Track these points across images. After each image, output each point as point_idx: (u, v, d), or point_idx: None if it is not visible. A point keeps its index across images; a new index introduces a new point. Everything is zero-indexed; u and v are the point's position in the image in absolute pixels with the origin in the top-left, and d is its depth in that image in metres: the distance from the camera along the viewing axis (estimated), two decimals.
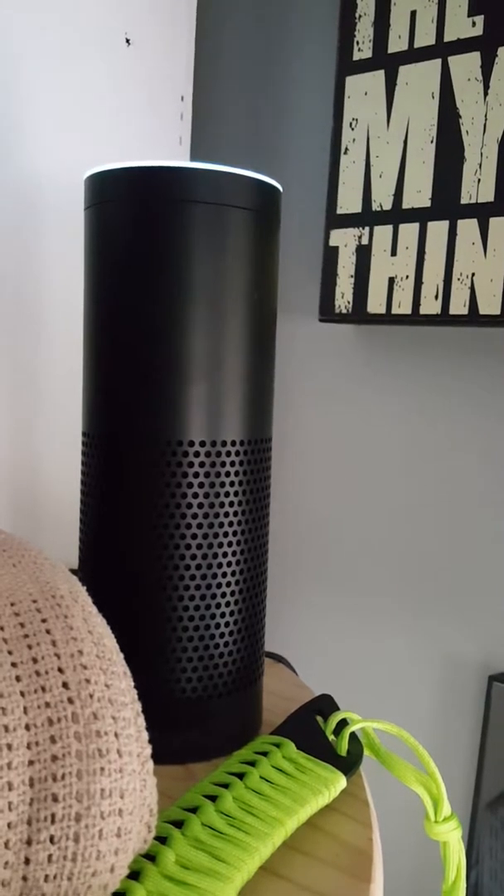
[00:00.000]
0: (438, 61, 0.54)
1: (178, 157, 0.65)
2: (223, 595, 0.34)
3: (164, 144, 0.63)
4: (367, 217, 0.59)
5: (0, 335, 0.51)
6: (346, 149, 0.59)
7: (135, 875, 0.24)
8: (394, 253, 0.57)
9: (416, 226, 0.56)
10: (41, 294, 0.54)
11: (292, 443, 0.71)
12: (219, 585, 0.33)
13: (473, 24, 0.53)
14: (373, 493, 0.66)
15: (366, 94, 0.58)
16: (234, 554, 0.34)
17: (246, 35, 0.71)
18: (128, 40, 0.58)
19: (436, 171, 0.55)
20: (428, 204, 0.55)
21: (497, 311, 0.52)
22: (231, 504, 0.33)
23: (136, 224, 0.32)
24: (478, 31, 0.52)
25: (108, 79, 0.57)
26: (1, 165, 0.50)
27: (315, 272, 0.68)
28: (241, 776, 0.29)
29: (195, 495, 0.32)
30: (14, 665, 0.21)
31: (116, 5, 0.56)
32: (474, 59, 0.53)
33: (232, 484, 0.33)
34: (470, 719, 0.61)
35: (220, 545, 0.33)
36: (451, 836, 0.31)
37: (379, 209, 0.58)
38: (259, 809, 0.27)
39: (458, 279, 0.54)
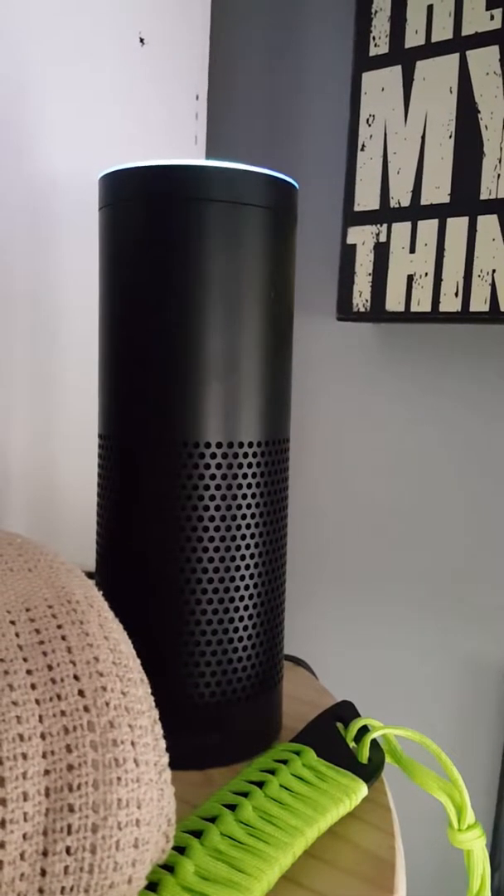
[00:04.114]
0: (456, 56, 0.54)
1: (193, 156, 0.65)
2: (241, 598, 0.33)
3: (180, 144, 0.63)
4: (385, 214, 0.58)
5: (16, 337, 0.51)
6: (364, 145, 0.59)
7: (153, 886, 0.23)
8: (412, 250, 0.56)
9: (434, 222, 0.55)
10: (57, 296, 0.53)
11: (310, 443, 0.70)
12: (237, 588, 0.33)
13: (492, 17, 0.52)
14: (391, 493, 0.65)
15: (383, 89, 0.57)
16: (251, 556, 0.33)
17: (261, 32, 0.70)
18: (142, 40, 0.57)
19: (454, 166, 0.54)
20: (447, 200, 0.54)
21: None
22: (249, 506, 0.33)
23: (150, 223, 0.32)
24: (496, 24, 0.52)
25: (123, 79, 0.56)
26: (16, 167, 0.50)
27: (332, 270, 0.67)
28: (260, 785, 0.29)
29: (212, 497, 0.32)
30: (29, 672, 0.21)
31: (130, 5, 0.56)
32: (493, 52, 0.52)
33: (249, 486, 0.33)
34: (491, 722, 0.60)
35: (238, 547, 0.33)
36: (475, 845, 0.31)
37: (397, 206, 0.57)
38: (279, 819, 0.27)
39: (479, 276, 0.53)
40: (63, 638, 0.22)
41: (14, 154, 0.50)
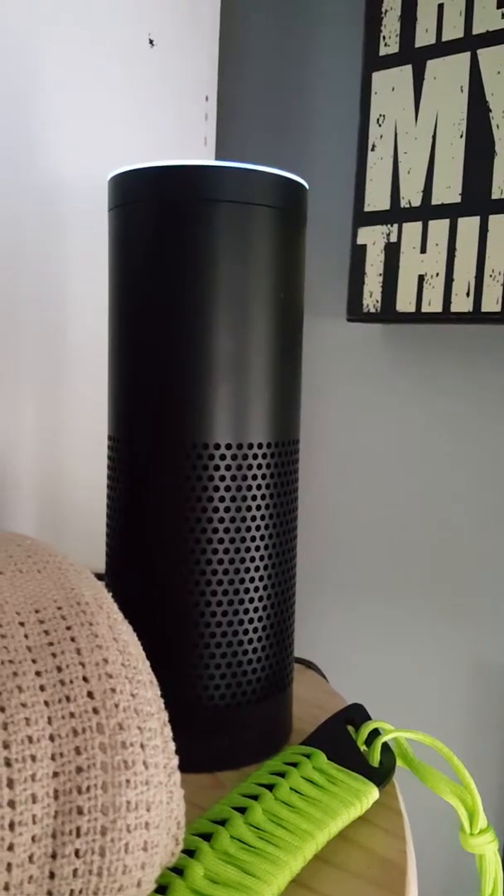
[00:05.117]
0: (467, 55, 0.53)
1: (203, 157, 0.65)
2: (251, 600, 0.33)
3: (189, 145, 0.63)
4: (396, 214, 0.58)
5: (25, 339, 0.51)
6: (374, 145, 0.58)
7: (162, 889, 0.23)
8: (423, 250, 0.56)
9: (445, 222, 0.55)
10: (65, 297, 0.53)
11: (320, 445, 0.70)
12: (246, 590, 0.33)
13: (503, 15, 0.51)
14: (403, 495, 0.65)
15: (393, 89, 0.57)
16: (261, 558, 0.33)
17: (270, 33, 0.70)
18: (151, 41, 0.57)
19: (465, 166, 0.54)
20: (458, 200, 0.54)
21: None
22: (258, 507, 0.33)
23: (160, 224, 0.32)
24: None
25: (132, 80, 0.56)
26: (24, 169, 0.50)
27: (342, 271, 0.67)
28: (270, 787, 0.28)
29: (221, 499, 0.32)
30: (38, 674, 0.21)
31: (139, 7, 0.56)
32: None
33: (259, 487, 0.33)
34: (502, 725, 0.60)
35: (248, 549, 0.33)
36: (488, 849, 0.31)
37: (408, 206, 0.57)
38: (289, 822, 0.27)
39: (490, 276, 0.52)
40: (72, 639, 0.22)
41: (24, 156, 0.50)
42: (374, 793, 0.30)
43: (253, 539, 0.33)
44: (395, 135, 0.57)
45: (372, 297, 0.59)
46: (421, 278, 0.56)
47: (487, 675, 0.61)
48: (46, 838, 0.20)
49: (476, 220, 0.53)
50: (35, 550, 0.27)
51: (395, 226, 0.58)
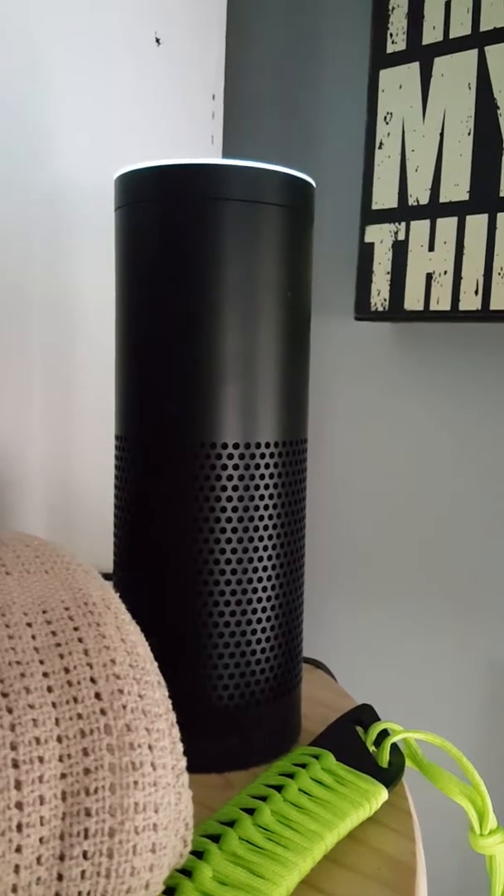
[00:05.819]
0: (475, 51, 0.53)
1: (210, 156, 0.65)
2: (259, 600, 0.33)
3: (196, 144, 0.63)
4: (404, 212, 0.57)
5: (32, 339, 0.51)
6: (381, 143, 0.58)
7: (170, 891, 0.23)
8: (431, 248, 0.56)
9: (454, 220, 0.54)
10: (73, 297, 0.54)
11: (329, 444, 0.70)
12: (255, 590, 0.33)
13: None
14: (412, 495, 0.65)
15: (400, 87, 0.57)
16: (269, 558, 0.33)
17: (277, 31, 0.70)
18: (158, 40, 0.57)
19: (474, 163, 0.53)
20: (466, 197, 0.54)
21: None
22: (266, 507, 0.33)
23: (166, 223, 0.32)
24: None
25: (139, 79, 0.56)
26: (31, 168, 0.50)
27: (350, 269, 0.67)
28: (279, 788, 0.28)
29: (229, 498, 0.32)
30: (46, 675, 0.21)
31: (145, 5, 0.56)
32: None
33: (267, 486, 0.33)
34: None
35: (256, 549, 0.33)
36: (498, 850, 0.30)
37: (415, 204, 0.57)
38: (298, 823, 0.27)
39: (499, 273, 0.52)
40: (80, 640, 0.22)
41: (30, 156, 0.50)
42: (382, 793, 0.30)
43: (261, 539, 0.33)
44: (403, 132, 0.57)
45: (380, 295, 0.59)
46: (429, 276, 0.56)
47: (497, 675, 0.60)
48: (54, 840, 0.20)
49: (484, 217, 0.53)
50: (43, 551, 0.27)
51: (403, 224, 0.57)
